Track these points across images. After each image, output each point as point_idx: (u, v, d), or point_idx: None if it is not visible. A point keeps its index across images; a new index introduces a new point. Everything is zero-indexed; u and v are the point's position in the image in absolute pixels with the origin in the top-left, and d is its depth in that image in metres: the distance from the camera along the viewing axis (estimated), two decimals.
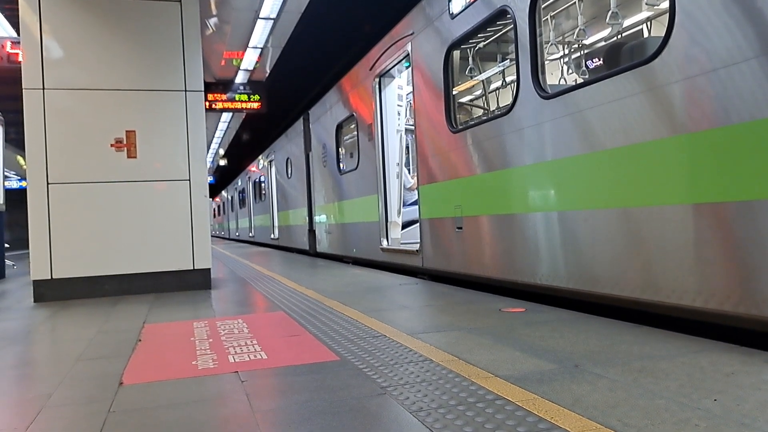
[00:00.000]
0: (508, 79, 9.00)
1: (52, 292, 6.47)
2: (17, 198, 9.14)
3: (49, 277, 6.45)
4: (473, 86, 9.57)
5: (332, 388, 2.61)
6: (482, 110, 9.24)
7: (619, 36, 7.25)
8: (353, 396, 2.49)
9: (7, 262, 11.65)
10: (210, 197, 7.23)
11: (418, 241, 7.44)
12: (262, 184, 20.48)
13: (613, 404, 2.21)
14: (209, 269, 7.04)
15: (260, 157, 20.71)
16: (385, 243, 8.75)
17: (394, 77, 8.58)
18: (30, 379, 3.24)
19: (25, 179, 6.47)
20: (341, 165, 11.11)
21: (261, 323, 4.47)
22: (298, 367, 3.05)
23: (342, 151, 11.31)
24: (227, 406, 2.50)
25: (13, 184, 25.71)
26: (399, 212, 8.67)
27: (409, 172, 10.28)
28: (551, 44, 7.67)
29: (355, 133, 9.97)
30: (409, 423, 2.14)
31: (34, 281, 6.46)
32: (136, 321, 4.85)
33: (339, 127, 10.96)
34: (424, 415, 2.20)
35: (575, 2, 6.99)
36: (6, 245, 11.69)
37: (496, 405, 2.28)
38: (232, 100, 13.45)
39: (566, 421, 2.06)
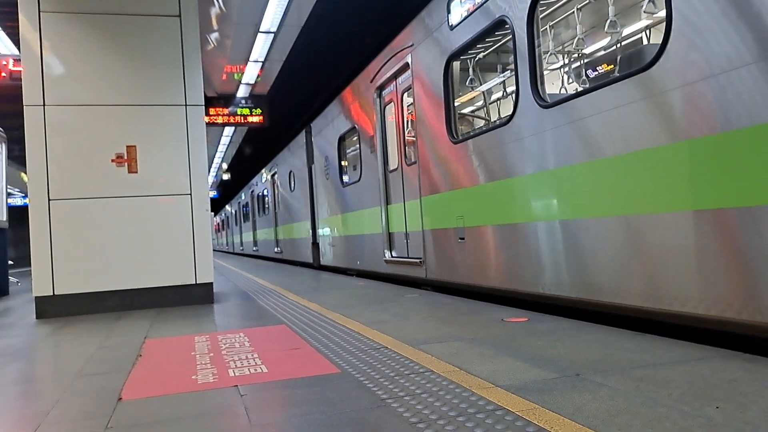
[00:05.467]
0: (508, 89, 9.00)
1: (54, 309, 6.46)
2: (21, 215, 9.15)
3: (51, 294, 6.44)
4: (474, 97, 9.57)
5: (332, 401, 2.59)
6: (483, 120, 9.24)
7: (618, 44, 7.25)
8: (353, 408, 2.47)
9: (11, 279, 11.66)
10: (213, 212, 7.21)
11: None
12: (266, 198, 20.50)
13: (614, 413, 2.18)
14: (211, 283, 7.02)
15: (263, 170, 20.74)
16: (388, 255, 8.74)
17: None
18: (29, 396, 3.22)
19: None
20: (344, 177, 11.11)
21: (262, 337, 4.45)
22: (298, 380, 3.03)
23: (344, 163, 11.32)
24: (226, 421, 2.48)
25: (18, 201, 25.80)
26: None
27: None
28: (550, 54, 7.68)
29: (357, 145, 9.98)
30: None
31: (36, 298, 6.45)
32: (138, 336, 4.83)
33: (341, 140, 10.97)
34: (423, 426, 2.18)
35: (573, 12, 6.99)
36: (10, 262, 11.72)
37: (496, 415, 2.25)
38: (234, 114, 13.48)
39: (566, 431, 2.03)
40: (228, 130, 19.69)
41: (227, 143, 22.41)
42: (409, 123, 7.93)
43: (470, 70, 8.26)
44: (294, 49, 11.56)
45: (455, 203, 6.41)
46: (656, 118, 3.65)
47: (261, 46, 11.13)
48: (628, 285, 3.98)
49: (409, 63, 7.48)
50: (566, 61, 8.16)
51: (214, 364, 3.57)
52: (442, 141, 6.60)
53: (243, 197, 27.59)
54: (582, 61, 8.09)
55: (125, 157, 6.68)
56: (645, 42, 7.51)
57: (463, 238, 6.28)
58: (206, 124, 7.48)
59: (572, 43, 7.57)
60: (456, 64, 6.68)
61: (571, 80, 8.07)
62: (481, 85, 8.82)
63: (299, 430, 2.26)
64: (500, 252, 5.63)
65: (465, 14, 5.95)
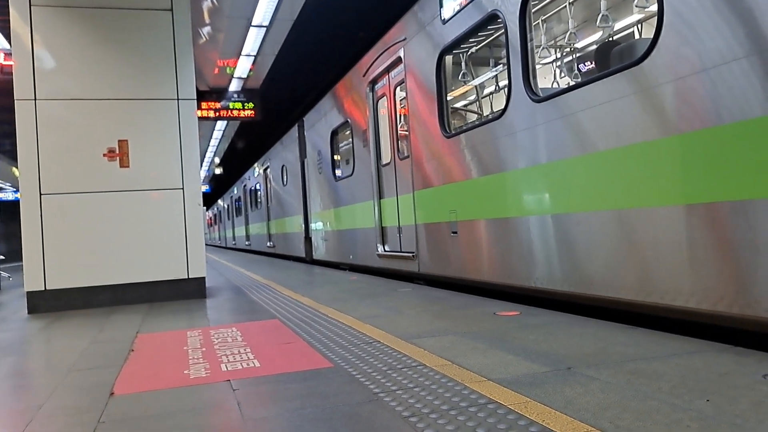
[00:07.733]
0: (500, 84, 9.00)
1: (46, 303, 6.44)
2: (13, 210, 9.12)
3: (43, 289, 6.42)
4: (466, 91, 9.56)
5: (324, 395, 2.60)
6: (476, 115, 9.24)
7: (611, 38, 7.26)
8: (345, 402, 2.47)
9: (3, 273, 11.61)
10: (205, 206, 7.20)
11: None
12: (258, 192, 20.46)
13: (605, 406, 2.19)
14: (204, 278, 7.01)
15: (255, 164, 20.69)
16: (381, 249, 8.74)
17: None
18: (21, 390, 3.22)
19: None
20: (336, 171, 11.10)
21: (255, 331, 4.45)
22: (290, 374, 3.03)
23: (337, 157, 11.30)
24: (218, 415, 2.48)
25: (9, 195, 25.65)
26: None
27: None
28: (543, 48, 7.68)
29: (350, 139, 9.96)
30: (401, 428, 2.13)
31: (28, 293, 6.42)
32: (130, 331, 4.82)
33: (334, 134, 10.95)
34: (416, 420, 2.19)
35: (566, 6, 6.99)
36: (1, 257, 11.67)
37: (488, 409, 2.26)
38: (226, 108, 13.43)
39: (557, 424, 2.04)
40: (220, 125, 19.63)
41: (219, 137, 22.35)
42: (402, 117, 7.92)
43: (463, 64, 8.25)
44: (286, 43, 11.53)
45: (448, 197, 6.42)
46: (648, 112, 3.65)
47: (253, 40, 11.08)
48: (619, 279, 3.99)
49: (402, 57, 7.47)
50: (558, 55, 8.16)
51: (206, 358, 3.56)
52: (435, 135, 6.60)
53: (235, 192, 27.52)
54: (574, 56, 8.09)
55: (117, 152, 6.65)
56: (637, 36, 7.51)
57: (455, 232, 6.29)
58: (198, 118, 7.44)
59: (564, 37, 7.57)
60: (448, 58, 6.67)
61: (563, 74, 8.08)
62: (473, 79, 8.81)
63: (292, 424, 2.26)
64: (493, 246, 5.64)
65: (457, 8, 5.94)
